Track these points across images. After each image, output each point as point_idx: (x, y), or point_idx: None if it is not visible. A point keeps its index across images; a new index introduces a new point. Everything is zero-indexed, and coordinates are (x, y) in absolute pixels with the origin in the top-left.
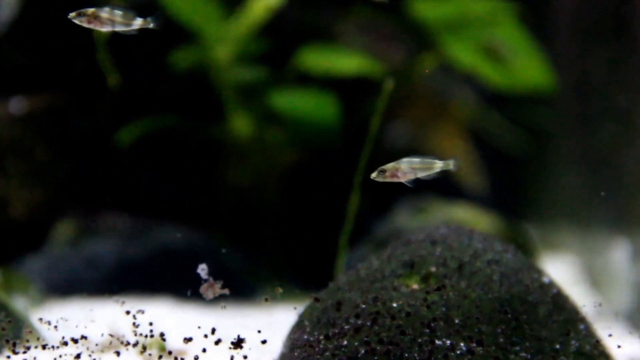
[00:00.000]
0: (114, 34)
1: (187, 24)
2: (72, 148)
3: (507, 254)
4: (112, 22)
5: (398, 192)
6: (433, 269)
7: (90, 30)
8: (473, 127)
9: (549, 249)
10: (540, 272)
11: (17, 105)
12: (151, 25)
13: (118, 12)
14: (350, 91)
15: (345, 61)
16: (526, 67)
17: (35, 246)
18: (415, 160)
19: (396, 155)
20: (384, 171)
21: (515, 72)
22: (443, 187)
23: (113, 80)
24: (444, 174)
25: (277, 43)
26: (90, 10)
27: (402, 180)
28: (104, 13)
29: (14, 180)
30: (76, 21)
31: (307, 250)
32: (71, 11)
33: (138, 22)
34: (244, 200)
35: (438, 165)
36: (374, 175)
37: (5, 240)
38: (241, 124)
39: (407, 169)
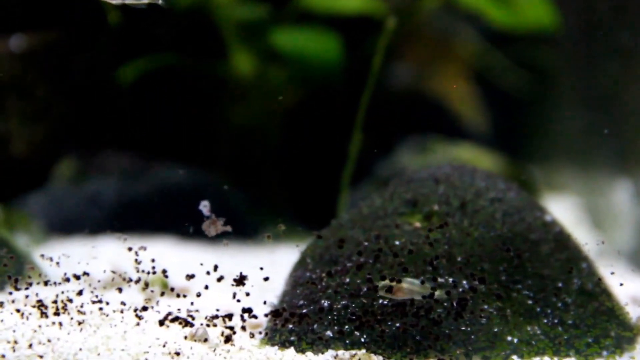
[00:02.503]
0: None
1: None
2: (73, 86)
3: (510, 192)
4: None
5: (401, 131)
6: (436, 207)
7: None
8: (476, 67)
9: (551, 189)
10: (543, 211)
11: (17, 42)
12: (160, 2)
13: None
14: (352, 30)
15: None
16: (530, 6)
17: (36, 184)
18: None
19: (398, 95)
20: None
21: (519, 11)
22: (446, 127)
23: (113, 18)
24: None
25: None
26: None
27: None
28: None
29: (14, 119)
30: None
31: (309, 189)
32: None
33: None
34: (245, 139)
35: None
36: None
37: (7, 179)
38: (243, 63)
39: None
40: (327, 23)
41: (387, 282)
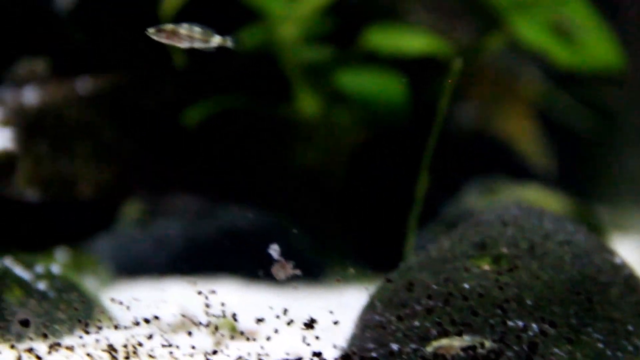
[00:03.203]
0: (180, 12)
1: (252, 2)
2: (139, 128)
3: (579, 234)
4: (191, 39)
5: (466, 172)
6: (504, 250)
7: (156, 9)
8: (541, 107)
9: (619, 230)
10: (612, 253)
11: (83, 85)
12: (229, 44)
13: (197, 29)
14: (417, 70)
15: (411, 40)
16: (595, 46)
17: (103, 226)
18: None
19: (463, 136)
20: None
21: (584, 50)
22: (511, 167)
23: (179, 59)
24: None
25: (343, 22)
26: (170, 26)
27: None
28: (183, 30)
29: (81, 161)
30: (155, 37)
31: (376, 231)
32: None
33: (216, 40)
34: (311, 180)
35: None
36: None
37: (74, 221)
38: (308, 104)
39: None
40: (391, 63)
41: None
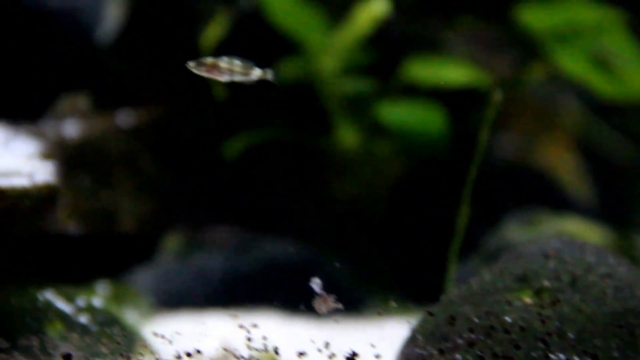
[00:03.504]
0: (220, 44)
1: (291, 35)
2: (179, 160)
3: (620, 267)
4: (231, 72)
5: (506, 203)
6: (546, 283)
7: (196, 42)
8: (581, 138)
9: None
10: None
11: (124, 117)
12: (269, 77)
13: (237, 63)
14: (457, 101)
15: (451, 72)
16: (635, 76)
17: (144, 259)
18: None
19: (503, 167)
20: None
21: (624, 81)
22: (552, 198)
23: (219, 92)
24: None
25: (382, 54)
26: (210, 60)
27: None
28: (223, 63)
29: (122, 193)
30: (195, 70)
31: (416, 263)
32: (176, 23)
33: (257, 73)
34: (351, 212)
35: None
36: (192, 65)
37: (115, 254)
38: (348, 136)
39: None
40: (432, 95)
41: None
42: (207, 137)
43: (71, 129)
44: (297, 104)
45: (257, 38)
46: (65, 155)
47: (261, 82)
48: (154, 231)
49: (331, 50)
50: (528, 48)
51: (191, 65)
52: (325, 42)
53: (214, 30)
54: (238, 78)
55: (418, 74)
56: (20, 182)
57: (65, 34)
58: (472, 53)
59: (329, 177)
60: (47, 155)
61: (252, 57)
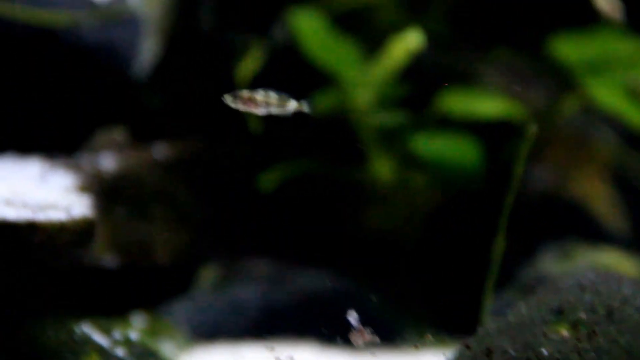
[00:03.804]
0: (255, 77)
1: (326, 68)
2: (215, 192)
3: None
4: (267, 105)
5: (541, 235)
6: (582, 316)
7: (232, 75)
8: (615, 169)
9: None
10: None
11: (160, 150)
12: (305, 109)
13: (273, 95)
14: (491, 133)
15: (486, 104)
16: None
17: (180, 291)
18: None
19: (537, 198)
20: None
21: None
22: (586, 230)
23: (255, 125)
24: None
25: (416, 86)
26: (246, 93)
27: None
28: (259, 96)
29: (158, 226)
30: (232, 104)
31: (452, 295)
32: (211, 56)
33: (292, 105)
34: (386, 244)
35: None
36: (228, 98)
37: (151, 286)
38: (382, 168)
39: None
40: (466, 127)
41: None
42: (243, 169)
43: (108, 162)
44: (332, 136)
45: (291, 71)
46: (102, 188)
47: (296, 115)
48: (189, 263)
49: (366, 82)
50: (562, 80)
51: (228, 98)
52: (359, 74)
53: (249, 64)
54: (274, 111)
55: (453, 106)
56: (57, 215)
57: (102, 68)
58: (506, 85)
59: (364, 209)
60: (83, 188)
61: (287, 90)
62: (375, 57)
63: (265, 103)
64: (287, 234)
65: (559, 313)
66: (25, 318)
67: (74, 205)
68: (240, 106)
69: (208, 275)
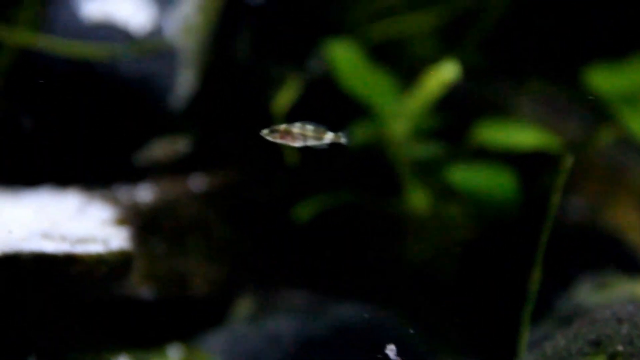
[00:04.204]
0: (291, 109)
1: (362, 99)
2: (251, 224)
3: None
4: (304, 137)
5: (577, 266)
6: (620, 348)
7: (267, 107)
8: None
9: None
10: None
11: (196, 182)
12: (342, 141)
13: (309, 127)
14: (527, 164)
15: (521, 135)
16: None
17: (216, 323)
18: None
19: (573, 229)
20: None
21: None
22: (623, 261)
23: (292, 158)
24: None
25: (452, 117)
26: (283, 126)
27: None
28: (296, 129)
29: (194, 258)
30: (269, 137)
31: (488, 326)
32: (248, 88)
33: (329, 137)
34: (422, 275)
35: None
36: (265, 132)
37: (187, 317)
38: (418, 199)
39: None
40: (501, 158)
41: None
42: (279, 200)
43: (144, 193)
44: (367, 167)
45: (327, 102)
46: (139, 221)
47: (333, 146)
48: (225, 294)
49: (402, 114)
50: (597, 110)
51: (265, 132)
52: (395, 106)
53: (286, 95)
54: (311, 142)
55: (488, 137)
56: (95, 248)
57: (139, 100)
58: (542, 116)
59: (400, 240)
60: (121, 221)
61: (323, 121)
62: (410, 88)
63: (302, 135)
64: (323, 265)
65: (597, 345)
66: (64, 350)
67: (111, 237)
68: (277, 139)
69: (244, 306)
